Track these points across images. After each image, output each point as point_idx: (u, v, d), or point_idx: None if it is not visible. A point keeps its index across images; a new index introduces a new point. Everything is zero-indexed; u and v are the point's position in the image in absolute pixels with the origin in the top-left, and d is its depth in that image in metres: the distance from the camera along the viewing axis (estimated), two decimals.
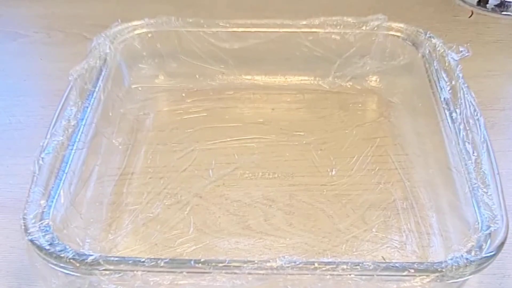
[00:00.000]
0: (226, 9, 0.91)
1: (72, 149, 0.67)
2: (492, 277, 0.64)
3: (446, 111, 0.71)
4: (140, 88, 0.88)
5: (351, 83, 0.89)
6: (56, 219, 0.60)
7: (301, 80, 0.89)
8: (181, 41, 0.87)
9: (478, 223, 0.58)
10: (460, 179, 0.64)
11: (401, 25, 0.85)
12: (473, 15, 1.06)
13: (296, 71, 0.89)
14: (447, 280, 0.54)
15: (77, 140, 0.69)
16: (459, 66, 0.75)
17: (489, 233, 0.56)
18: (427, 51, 0.80)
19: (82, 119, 0.71)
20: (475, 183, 0.61)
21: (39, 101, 0.91)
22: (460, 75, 0.74)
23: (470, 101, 0.70)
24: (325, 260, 0.55)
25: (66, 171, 0.65)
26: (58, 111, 0.70)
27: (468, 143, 0.65)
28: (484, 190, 0.60)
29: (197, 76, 0.88)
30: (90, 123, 0.73)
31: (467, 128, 0.67)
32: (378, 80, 0.89)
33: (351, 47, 0.85)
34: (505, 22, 1.06)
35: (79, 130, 0.70)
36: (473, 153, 0.64)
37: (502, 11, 1.08)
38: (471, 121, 0.68)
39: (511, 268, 0.65)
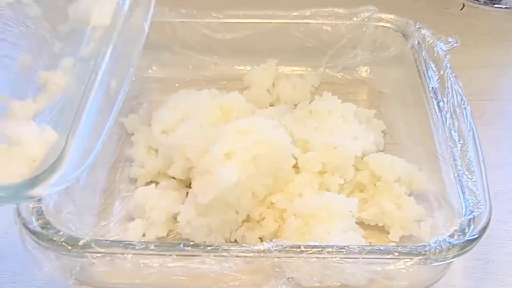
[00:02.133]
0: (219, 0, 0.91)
1: None
2: (477, 262, 0.66)
3: (434, 100, 0.72)
4: (133, 78, 0.88)
5: (342, 74, 0.90)
6: (49, 204, 0.61)
7: (293, 71, 0.90)
8: (174, 32, 0.87)
9: (462, 208, 0.59)
10: (446, 166, 0.65)
11: (391, 16, 0.86)
12: (464, 8, 1.07)
13: (287, 62, 0.90)
14: (431, 263, 0.55)
15: None
16: (448, 56, 0.77)
17: (473, 218, 0.58)
18: (416, 42, 0.81)
19: None
20: (460, 170, 0.62)
21: None
22: (448, 65, 0.75)
23: (458, 91, 0.71)
24: (311, 243, 0.56)
25: None
26: None
27: (454, 131, 0.67)
28: (469, 176, 0.62)
29: (190, 66, 0.89)
30: None
31: (454, 117, 0.68)
32: (368, 71, 0.90)
33: (342, 38, 0.86)
34: (496, 15, 1.07)
35: None
36: (459, 140, 0.66)
37: (494, 4, 1.08)
38: (458, 110, 0.69)
39: (495, 253, 0.67)
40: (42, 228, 0.57)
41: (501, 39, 1.01)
